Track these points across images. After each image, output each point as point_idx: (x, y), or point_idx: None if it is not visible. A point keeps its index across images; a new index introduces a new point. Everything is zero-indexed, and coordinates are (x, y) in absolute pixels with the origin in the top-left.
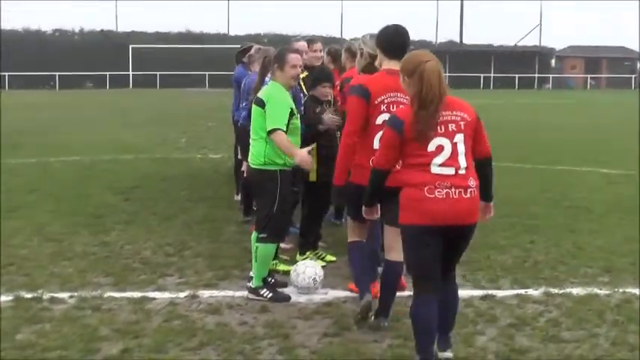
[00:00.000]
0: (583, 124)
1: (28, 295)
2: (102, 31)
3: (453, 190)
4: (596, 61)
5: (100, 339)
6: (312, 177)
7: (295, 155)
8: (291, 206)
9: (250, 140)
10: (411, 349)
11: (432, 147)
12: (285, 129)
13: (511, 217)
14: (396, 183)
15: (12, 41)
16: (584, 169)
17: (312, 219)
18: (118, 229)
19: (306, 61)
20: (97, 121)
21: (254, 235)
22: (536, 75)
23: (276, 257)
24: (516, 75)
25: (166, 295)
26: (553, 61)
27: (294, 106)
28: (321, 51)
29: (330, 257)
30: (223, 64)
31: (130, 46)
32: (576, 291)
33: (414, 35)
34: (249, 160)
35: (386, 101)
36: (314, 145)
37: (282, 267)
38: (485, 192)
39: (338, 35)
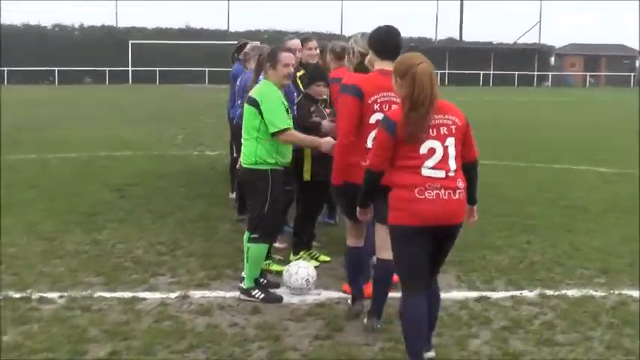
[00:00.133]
0: (582, 122)
1: (17, 295)
2: (102, 26)
3: (442, 191)
4: (595, 59)
5: (89, 340)
6: (306, 176)
7: (320, 144)
8: (285, 205)
9: (242, 139)
10: (403, 352)
11: (424, 149)
12: (287, 125)
13: (508, 216)
14: (386, 183)
15: (11, 36)
16: (582, 167)
17: (306, 218)
18: (111, 228)
19: (302, 59)
20: (96, 118)
21: (246, 234)
22: (536, 73)
23: (269, 257)
24: (516, 72)
25: (157, 295)
26: (552, 59)
27: (287, 105)
28: (316, 49)
29: (324, 257)
30: (223, 60)
31: (130, 42)
32: (572, 292)
33: (413, 33)
34: (240, 159)
35: (379, 101)
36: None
37: (275, 267)
38: (470, 196)
39: (338, 33)
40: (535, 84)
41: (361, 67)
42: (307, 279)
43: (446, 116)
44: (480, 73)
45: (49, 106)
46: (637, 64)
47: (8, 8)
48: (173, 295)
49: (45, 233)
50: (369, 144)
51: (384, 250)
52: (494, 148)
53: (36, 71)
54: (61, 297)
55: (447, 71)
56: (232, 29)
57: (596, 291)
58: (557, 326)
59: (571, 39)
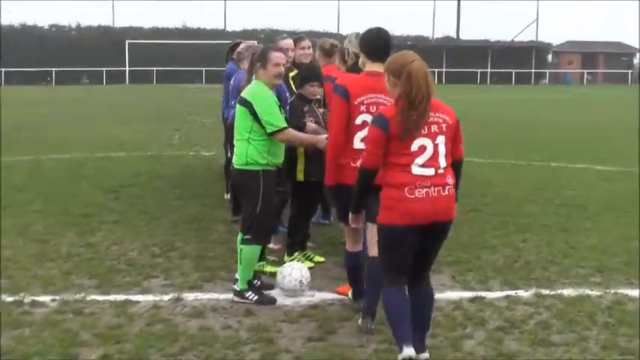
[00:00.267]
0: (580, 120)
1: (10, 299)
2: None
3: (432, 188)
4: (592, 56)
5: (80, 344)
6: (300, 177)
7: (317, 141)
8: (279, 206)
9: (234, 140)
10: (397, 354)
11: (414, 147)
12: (284, 124)
13: (504, 215)
14: (377, 181)
15: (9, 37)
16: (580, 165)
17: (300, 219)
18: (105, 230)
19: (295, 59)
20: (92, 118)
21: (239, 236)
22: (533, 70)
23: (263, 258)
24: (513, 70)
25: (150, 297)
26: (550, 57)
27: (278, 104)
28: (309, 48)
29: (318, 258)
30: (220, 60)
31: (127, 42)
32: (567, 292)
33: (410, 31)
34: (233, 160)
35: (365, 102)
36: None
37: (269, 268)
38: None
39: (335, 32)
40: (533, 82)
41: (356, 68)
42: (301, 280)
43: (437, 114)
44: (477, 72)
45: (45, 106)
46: (635, 61)
47: (8, 8)
48: (166, 298)
49: (39, 235)
50: (356, 145)
51: (376, 248)
52: (490, 147)
53: (33, 72)
54: (53, 300)
55: (444, 70)
56: (229, 29)
57: (592, 290)
58: (552, 326)
59: (567, 35)
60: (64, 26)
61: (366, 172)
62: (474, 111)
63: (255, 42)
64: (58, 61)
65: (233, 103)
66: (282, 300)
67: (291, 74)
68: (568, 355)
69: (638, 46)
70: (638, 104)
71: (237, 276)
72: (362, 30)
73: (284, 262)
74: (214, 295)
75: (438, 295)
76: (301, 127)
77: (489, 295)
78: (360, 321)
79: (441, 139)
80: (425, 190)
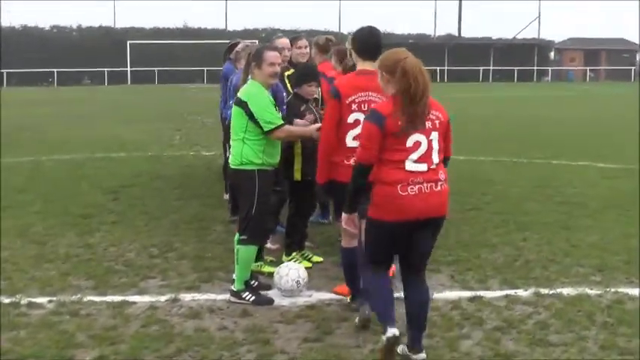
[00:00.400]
0: (582, 118)
1: (6, 301)
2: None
3: (425, 184)
4: (595, 53)
5: (76, 346)
6: (297, 176)
7: (311, 133)
8: (277, 206)
9: (230, 140)
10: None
11: (410, 143)
12: (280, 122)
13: (505, 213)
14: (370, 178)
15: (10, 38)
16: (581, 163)
17: (298, 218)
18: (103, 230)
19: (292, 58)
20: (93, 118)
21: (236, 236)
22: (535, 68)
23: (261, 258)
24: (515, 68)
25: (147, 298)
26: (552, 54)
27: (274, 104)
28: (306, 47)
29: (316, 258)
30: (221, 59)
31: (128, 42)
32: (567, 291)
33: (412, 29)
34: (229, 160)
35: (357, 101)
36: (319, 126)
37: (267, 268)
38: None
39: (337, 31)
40: (535, 79)
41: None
42: (298, 280)
43: (431, 111)
44: (479, 69)
45: (46, 107)
46: (637, 57)
47: (8, 8)
48: (163, 299)
49: (38, 237)
50: (349, 143)
51: None
52: (492, 145)
53: (35, 73)
54: (50, 302)
55: (446, 67)
56: (230, 28)
57: (591, 289)
58: (551, 326)
59: (570, 32)
60: (66, 27)
61: (362, 168)
62: (476, 109)
63: (257, 41)
64: (60, 61)
65: (231, 103)
66: (279, 300)
67: (287, 73)
68: (566, 356)
69: (639, 42)
70: (638, 101)
71: (234, 276)
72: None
73: (282, 262)
74: (211, 296)
75: (436, 295)
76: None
77: (488, 294)
78: (357, 320)
79: (434, 135)
80: (417, 186)
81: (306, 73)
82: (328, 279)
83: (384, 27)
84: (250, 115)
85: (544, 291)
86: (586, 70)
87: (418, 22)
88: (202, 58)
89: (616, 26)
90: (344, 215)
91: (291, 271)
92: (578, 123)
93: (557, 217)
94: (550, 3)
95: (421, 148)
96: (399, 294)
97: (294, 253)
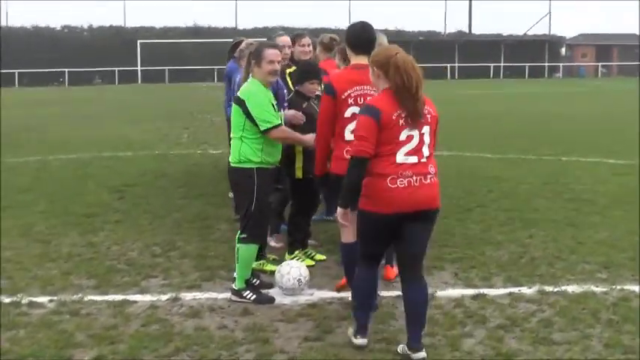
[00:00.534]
0: (594, 113)
1: (7, 300)
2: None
3: (414, 178)
4: (606, 48)
5: (75, 345)
6: (298, 174)
7: (307, 141)
8: (281, 204)
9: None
10: (394, 353)
11: (403, 137)
12: (278, 122)
13: (511, 211)
14: None
15: (21, 38)
16: (591, 159)
17: (300, 217)
18: (107, 229)
19: (294, 56)
20: (102, 118)
21: (237, 235)
22: (547, 64)
23: (263, 257)
24: (526, 64)
25: (148, 297)
26: (563, 50)
27: (274, 103)
28: (309, 45)
29: (319, 256)
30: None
31: (138, 42)
32: (572, 289)
33: (422, 26)
34: (229, 158)
35: (353, 95)
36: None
37: (269, 267)
38: None
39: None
40: (546, 75)
41: None
42: (299, 279)
43: (424, 107)
44: (490, 66)
45: (55, 107)
46: None
47: (15, 9)
48: (164, 298)
49: (41, 236)
50: (347, 137)
51: None
52: (501, 141)
53: (46, 73)
54: (51, 301)
55: (456, 64)
56: (240, 27)
57: (597, 286)
58: (555, 324)
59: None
60: (76, 27)
61: (358, 161)
62: (486, 105)
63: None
64: (71, 61)
65: None
66: (280, 299)
67: (289, 71)
68: (569, 354)
69: None
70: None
71: (235, 275)
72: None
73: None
74: (212, 295)
75: (439, 293)
76: (301, 124)
77: (492, 292)
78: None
79: (426, 130)
80: (407, 179)
81: (307, 71)
82: (331, 277)
83: (394, 25)
84: (248, 114)
85: (549, 288)
86: (598, 65)
87: (428, 19)
88: (213, 57)
89: (629, 23)
90: (339, 210)
91: (293, 269)
92: (590, 119)
93: (565, 213)
94: (560, 3)
95: (413, 142)
96: (399, 292)
97: (296, 252)
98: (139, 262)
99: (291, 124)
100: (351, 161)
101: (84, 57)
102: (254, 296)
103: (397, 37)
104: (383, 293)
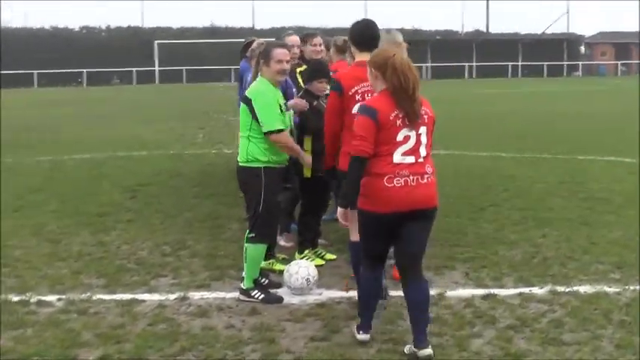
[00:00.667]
0: (612, 112)
1: (16, 299)
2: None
3: (411, 177)
4: (626, 46)
5: (81, 345)
6: (307, 173)
7: (302, 157)
8: (291, 204)
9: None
10: (401, 354)
11: (400, 137)
12: (281, 127)
13: (525, 210)
14: None
15: (40, 39)
16: (607, 158)
17: (310, 216)
18: (119, 229)
19: (306, 55)
20: (118, 117)
21: (246, 234)
22: (565, 63)
23: (272, 256)
24: (544, 63)
25: (156, 297)
26: (582, 48)
27: (282, 102)
28: (320, 45)
29: (329, 256)
30: None
31: (156, 42)
32: (584, 289)
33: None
34: (237, 158)
35: (360, 91)
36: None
37: (278, 266)
38: None
39: None
40: (565, 74)
41: None
42: (308, 278)
43: (421, 107)
44: (507, 65)
45: (70, 107)
46: None
47: (27, 9)
48: (172, 297)
49: (53, 235)
50: None
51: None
52: (517, 141)
53: (65, 73)
54: (59, 300)
55: (474, 64)
56: (257, 27)
57: (609, 287)
58: (565, 324)
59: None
60: (95, 28)
61: (357, 160)
62: (503, 104)
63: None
64: (89, 62)
65: None
66: (289, 298)
67: (299, 70)
68: (579, 355)
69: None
70: None
71: (244, 274)
72: (390, 27)
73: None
74: (221, 294)
75: (449, 293)
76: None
77: (502, 292)
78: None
79: (423, 130)
80: (404, 179)
81: (316, 69)
82: (340, 277)
83: (411, 24)
84: (254, 113)
85: (560, 289)
86: (617, 64)
87: (446, 18)
88: (230, 57)
89: None
90: (339, 209)
91: (301, 269)
92: (608, 117)
93: (579, 212)
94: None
95: (410, 142)
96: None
97: (306, 251)
98: (148, 261)
99: (300, 116)
100: (351, 161)
101: (102, 57)
102: (262, 296)
103: (414, 37)
104: (392, 293)
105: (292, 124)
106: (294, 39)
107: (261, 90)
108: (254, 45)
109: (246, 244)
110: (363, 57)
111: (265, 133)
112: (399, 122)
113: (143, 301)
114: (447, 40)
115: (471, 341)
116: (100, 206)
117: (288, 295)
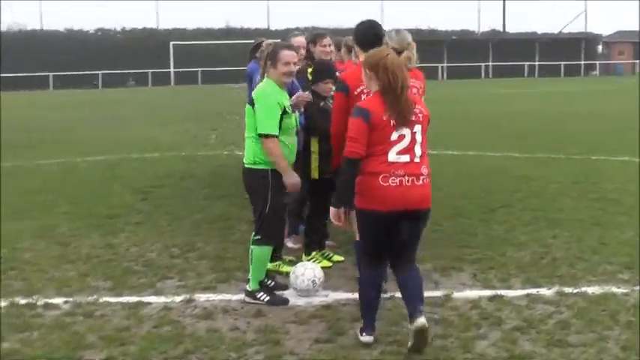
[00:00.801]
0: (629, 111)
1: (23, 301)
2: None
3: (406, 178)
4: None
5: (86, 347)
6: (314, 174)
7: (285, 173)
8: (299, 205)
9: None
10: (405, 356)
11: (394, 136)
12: (276, 133)
13: (536, 210)
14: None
15: (56, 42)
16: (621, 158)
17: (317, 218)
18: (128, 231)
19: (315, 55)
20: (133, 119)
21: (252, 236)
22: (583, 62)
23: (279, 258)
24: (562, 63)
25: (162, 299)
26: (600, 48)
27: (287, 104)
28: (330, 45)
29: (337, 257)
30: None
31: (171, 43)
32: (592, 290)
33: (455, 25)
34: (243, 159)
35: (365, 91)
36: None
37: (285, 268)
38: None
39: None
40: (582, 74)
41: None
42: (314, 280)
43: (415, 106)
44: (524, 65)
45: (85, 108)
46: None
47: (39, 9)
48: (178, 299)
49: (62, 237)
50: None
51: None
52: (530, 141)
53: (81, 75)
54: (66, 302)
55: (490, 63)
56: (272, 27)
57: (618, 288)
58: (571, 326)
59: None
60: (110, 30)
61: (350, 162)
62: (519, 104)
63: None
64: (105, 64)
65: None
66: (294, 300)
67: (310, 70)
68: (584, 356)
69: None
70: None
71: (249, 276)
72: (404, 27)
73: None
74: (227, 296)
75: (455, 294)
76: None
77: (509, 293)
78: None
79: (418, 129)
80: (399, 179)
81: (321, 71)
82: (347, 279)
83: (427, 24)
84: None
85: (568, 290)
86: (635, 63)
87: (462, 18)
88: (245, 58)
89: None
90: (331, 210)
91: (307, 270)
92: (623, 117)
93: (591, 213)
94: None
95: (404, 141)
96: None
97: (313, 253)
98: (156, 263)
99: (307, 117)
100: (343, 162)
101: (117, 59)
102: (267, 298)
103: (430, 37)
104: (396, 294)
105: (299, 125)
106: (300, 40)
107: (267, 91)
108: (263, 46)
109: (251, 246)
110: None
111: (259, 135)
112: (392, 122)
113: (149, 303)
114: (463, 40)
115: (476, 343)
116: (111, 208)
117: (294, 296)
